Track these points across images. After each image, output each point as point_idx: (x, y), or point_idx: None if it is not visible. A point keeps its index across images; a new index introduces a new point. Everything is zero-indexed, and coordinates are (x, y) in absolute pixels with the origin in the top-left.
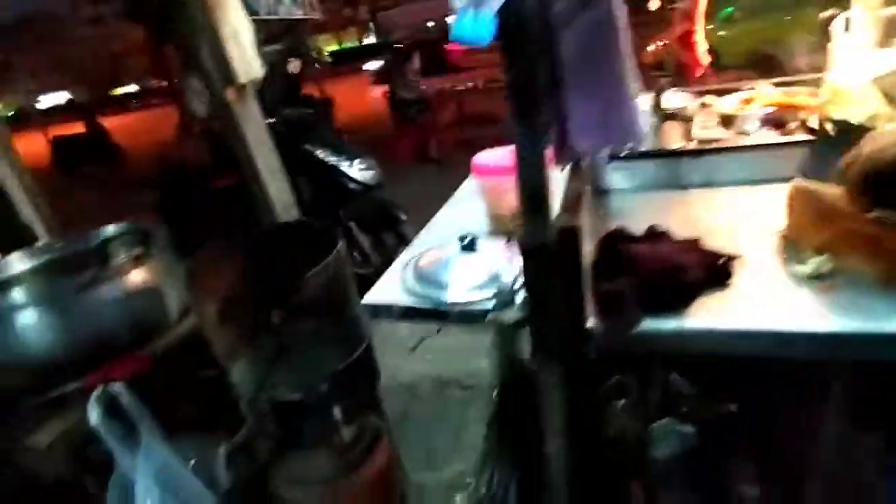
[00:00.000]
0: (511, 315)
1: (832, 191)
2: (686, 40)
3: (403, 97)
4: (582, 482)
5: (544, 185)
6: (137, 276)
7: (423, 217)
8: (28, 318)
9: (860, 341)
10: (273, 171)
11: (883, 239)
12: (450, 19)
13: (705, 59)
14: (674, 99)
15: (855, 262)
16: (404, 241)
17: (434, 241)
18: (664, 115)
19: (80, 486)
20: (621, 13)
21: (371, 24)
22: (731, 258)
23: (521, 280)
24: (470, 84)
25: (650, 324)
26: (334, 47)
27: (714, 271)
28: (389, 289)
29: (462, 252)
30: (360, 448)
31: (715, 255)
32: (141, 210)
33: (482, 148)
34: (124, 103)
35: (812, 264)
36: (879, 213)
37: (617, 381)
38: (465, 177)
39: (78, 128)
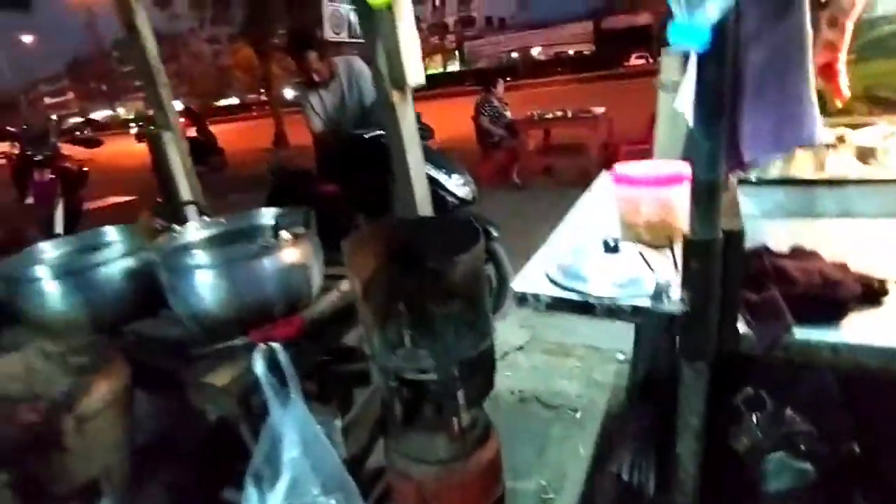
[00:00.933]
0: (669, 307)
1: None
2: (828, 71)
3: (489, 123)
4: (705, 485)
5: (718, 187)
6: (294, 253)
7: (506, 235)
8: (206, 278)
9: None
10: (418, 168)
11: None
12: (534, 51)
13: (847, 91)
14: None
15: None
16: (492, 255)
17: (566, 241)
18: None
19: (236, 428)
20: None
21: (457, 53)
22: (883, 280)
23: (673, 281)
24: (559, 113)
25: (801, 333)
26: None
27: (868, 289)
28: (535, 280)
29: (605, 252)
30: (474, 436)
31: (866, 276)
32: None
33: (565, 176)
34: (227, 113)
35: None
36: None
37: (753, 392)
38: (546, 202)
39: (190, 132)
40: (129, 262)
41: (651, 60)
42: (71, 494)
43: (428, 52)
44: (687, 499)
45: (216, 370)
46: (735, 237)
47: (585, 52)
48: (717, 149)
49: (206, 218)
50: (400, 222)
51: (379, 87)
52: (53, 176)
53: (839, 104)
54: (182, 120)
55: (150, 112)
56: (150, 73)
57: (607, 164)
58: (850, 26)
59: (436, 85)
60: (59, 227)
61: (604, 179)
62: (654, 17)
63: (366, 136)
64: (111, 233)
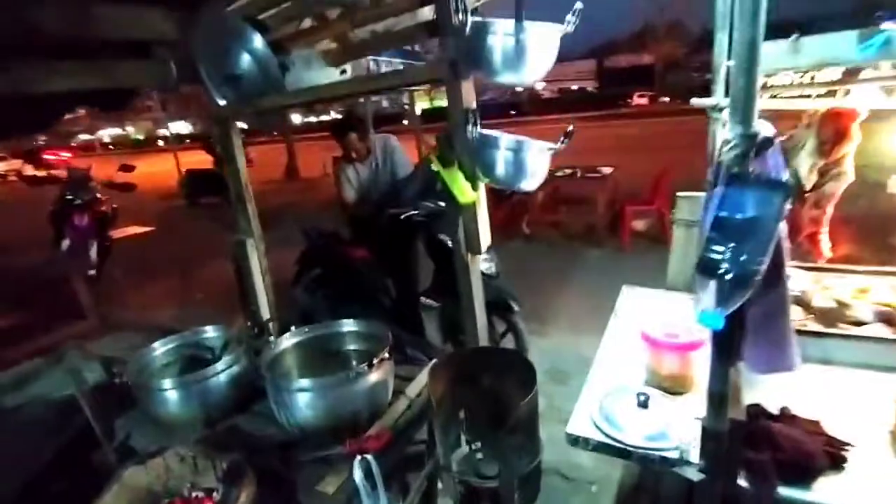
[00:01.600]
0: (689, 474)
1: None
2: (813, 239)
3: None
4: None
5: (727, 397)
6: (378, 375)
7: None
8: (308, 399)
9: None
10: (481, 306)
11: None
12: (539, 86)
13: (828, 252)
14: (798, 278)
15: None
16: (513, 328)
17: (602, 379)
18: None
19: None
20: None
21: None
22: (847, 446)
23: (692, 441)
24: (568, 171)
25: (785, 491)
26: (426, 104)
27: (834, 457)
28: (583, 423)
29: (638, 406)
30: None
31: (836, 442)
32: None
33: (572, 229)
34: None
35: None
36: None
37: None
38: (554, 256)
39: (198, 153)
40: (234, 371)
41: (652, 100)
42: None
43: (435, 84)
44: None
45: (325, 478)
46: (737, 425)
47: (590, 90)
48: (726, 371)
49: (293, 328)
50: (472, 352)
51: (458, 254)
52: (90, 219)
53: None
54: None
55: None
56: (242, 193)
57: (613, 222)
58: (830, 209)
59: (439, 119)
60: (92, 265)
61: (626, 295)
62: (655, 57)
63: (402, 217)
64: (212, 332)
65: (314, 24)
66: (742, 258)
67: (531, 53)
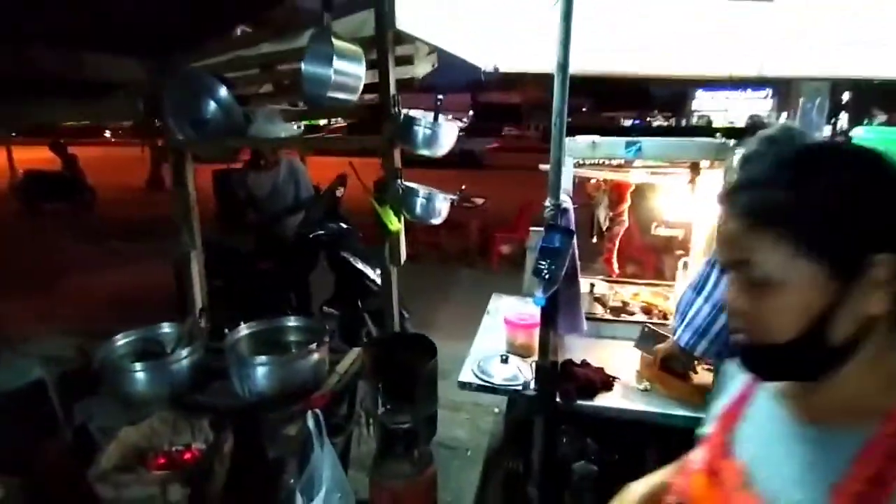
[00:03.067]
0: (529, 393)
1: (656, 353)
2: (608, 261)
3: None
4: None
5: (548, 345)
6: (319, 354)
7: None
8: (263, 371)
9: (657, 417)
10: (396, 304)
11: (668, 379)
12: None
13: (616, 270)
14: (599, 286)
15: (659, 387)
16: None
17: (478, 350)
18: (594, 297)
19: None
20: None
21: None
22: (614, 378)
23: (530, 379)
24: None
25: (580, 402)
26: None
27: (607, 383)
28: (468, 375)
29: (501, 362)
30: (425, 461)
31: (608, 377)
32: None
33: (450, 251)
34: (82, 134)
35: (644, 384)
36: (665, 369)
37: (564, 429)
38: (435, 276)
39: (37, 150)
40: (194, 357)
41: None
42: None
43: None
44: (535, 489)
45: (287, 427)
46: (555, 366)
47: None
48: (548, 337)
49: (243, 323)
50: (390, 336)
51: (382, 265)
52: None
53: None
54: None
55: None
56: (188, 213)
57: (483, 246)
58: (616, 242)
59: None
60: None
61: (494, 300)
62: (522, 98)
63: (310, 236)
64: (167, 328)
65: (272, 91)
66: (553, 268)
67: (442, 138)
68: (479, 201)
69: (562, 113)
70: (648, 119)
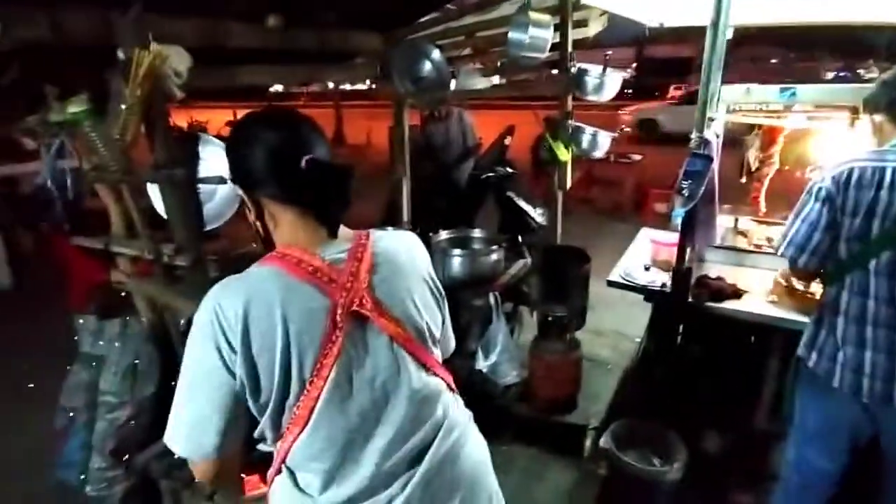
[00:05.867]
0: (666, 291)
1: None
2: (755, 201)
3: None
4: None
5: (685, 252)
6: (496, 255)
7: None
8: (458, 261)
9: (780, 322)
10: (558, 220)
11: (793, 293)
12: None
13: (763, 209)
14: (743, 222)
15: (786, 299)
16: None
17: (627, 261)
18: (738, 231)
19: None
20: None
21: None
22: (743, 291)
23: (669, 281)
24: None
25: (709, 304)
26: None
27: (737, 293)
28: (616, 277)
29: (644, 270)
30: (575, 344)
31: (738, 289)
32: None
33: (602, 206)
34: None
35: (772, 298)
36: (791, 286)
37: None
38: (587, 226)
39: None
40: None
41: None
42: None
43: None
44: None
45: (475, 301)
46: (690, 274)
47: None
48: (685, 246)
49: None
50: (550, 247)
51: (550, 191)
52: None
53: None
54: None
55: None
56: (403, 142)
57: (637, 202)
58: (766, 183)
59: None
60: None
61: (642, 235)
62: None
63: (482, 177)
64: None
65: (471, 53)
66: (693, 187)
67: (607, 86)
68: (636, 157)
69: (710, 63)
70: (859, 70)
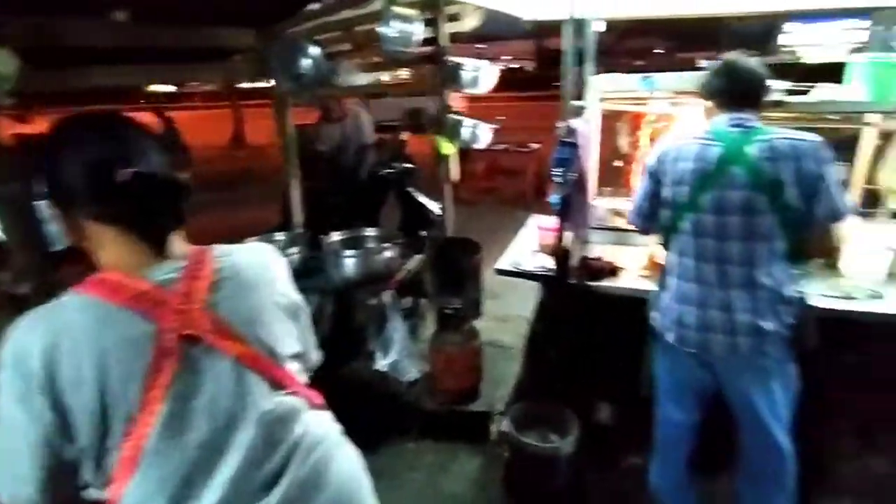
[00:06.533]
0: (553, 276)
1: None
2: (628, 180)
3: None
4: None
5: (563, 237)
6: (390, 252)
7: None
8: (351, 262)
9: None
10: (451, 210)
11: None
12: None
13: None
14: (620, 203)
15: (653, 273)
16: None
17: (515, 249)
18: (615, 212)
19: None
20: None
21: None
22: (620, 268)
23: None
24: (503, 146)
25: (588, 283)
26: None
27: (614, 271)
28: (504, 265)
29: (532, 256)
30: (472, 334)
31: (616, 266)
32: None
33: (505, 195)
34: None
35: (644, 273)
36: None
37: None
38: (488, 214)
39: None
40: (301, 254)
41: None
42: None
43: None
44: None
45: (369, 301)
46: (566, 251)
47: (528, 70)
48: (563, 231)
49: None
50: (447, 239)
51: (437, 183)
52: None
53: None
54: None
55: None
56: (288, 143)
57: (539, 188)
58: (636, 165)
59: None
60: None
61: (531, 222)
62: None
63: (380, 174)
64: (279, 236)
65: (351, 48)
66: (564, 173)
67: (482, 79)
68: (535, 146)
69: (571, 55)
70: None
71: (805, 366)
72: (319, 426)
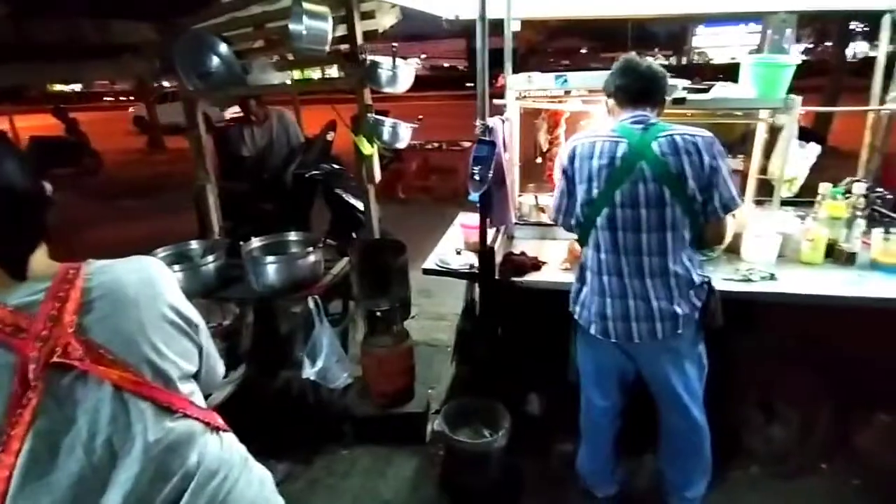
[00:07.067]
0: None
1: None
2: (550, 176)
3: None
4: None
5: (486, 233)
6: (315, 256)
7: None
8: (273, 268)
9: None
10: (376, 214)
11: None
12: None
13: None
14: (543, 199)
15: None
16: None
17: (442, 247)
18: (539, 208)
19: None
20: (509, 176)
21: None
22: (542, 263)
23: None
24: (436, 144)
25: (513, 279)
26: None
27: (537, 266)
28: (430, 265)
29: (456, 254)
30: (402, 336)
31: (539, 261)
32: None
33: (440, 193)
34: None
35: (565, 266)
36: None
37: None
38: (425, 214)
39: (38, 117)
40: (219, 262)
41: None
42: None
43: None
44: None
45: (293, 308)
46: (491, 252)
47: (460, 68)
48: (485, 227)
49: (254, 238)
50: (372, 241)
51: (361, 185)
52: None
53: None
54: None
55: None
56: (201, 150)
57: None
58: (556, 162)
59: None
60: None
61: (459, 218)
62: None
63: (306, 176)
64: (195, 244)
65: (263, 45)
66: (483, 171)
67: (401, 78)
68: (467, 144)
69: (483, 54)
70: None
71: (712, 345)
72: (218, 451)
